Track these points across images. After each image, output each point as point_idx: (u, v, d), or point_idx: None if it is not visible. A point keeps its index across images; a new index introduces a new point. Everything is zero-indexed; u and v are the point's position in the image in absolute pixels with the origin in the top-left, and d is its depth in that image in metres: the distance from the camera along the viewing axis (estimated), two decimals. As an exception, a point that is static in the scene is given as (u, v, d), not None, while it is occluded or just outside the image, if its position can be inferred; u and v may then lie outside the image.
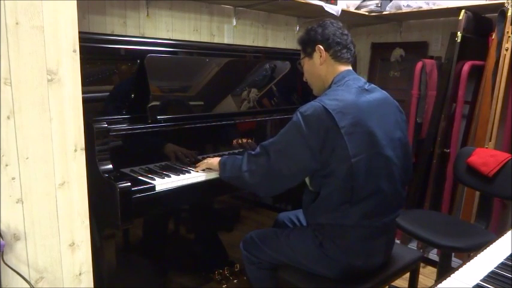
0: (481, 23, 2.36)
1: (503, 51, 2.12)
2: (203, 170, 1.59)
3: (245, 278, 1.98)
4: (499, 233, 1.20)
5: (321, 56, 1.42)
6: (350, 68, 1.44)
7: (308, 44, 1.45)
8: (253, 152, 1.39)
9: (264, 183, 1.37)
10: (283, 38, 2.67)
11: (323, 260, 1.36)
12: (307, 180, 1.39)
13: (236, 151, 1.89)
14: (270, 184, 1.37)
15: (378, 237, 1.36)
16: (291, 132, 1.30)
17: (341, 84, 1.36)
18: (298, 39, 1.51)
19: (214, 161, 1.56)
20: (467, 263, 0.97)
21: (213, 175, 1.58)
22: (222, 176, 1.49)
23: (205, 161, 1.62)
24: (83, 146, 1.26)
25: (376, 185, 1.30)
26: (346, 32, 1.43)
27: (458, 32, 2.25)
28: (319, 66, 1.44)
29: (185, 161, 1.67)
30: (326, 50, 1.41)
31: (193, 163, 1.66)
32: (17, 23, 1.08)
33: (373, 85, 1.42)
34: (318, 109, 1.25)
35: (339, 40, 1.40)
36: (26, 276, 1.19)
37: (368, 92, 1.36)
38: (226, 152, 1.85)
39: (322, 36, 1.41)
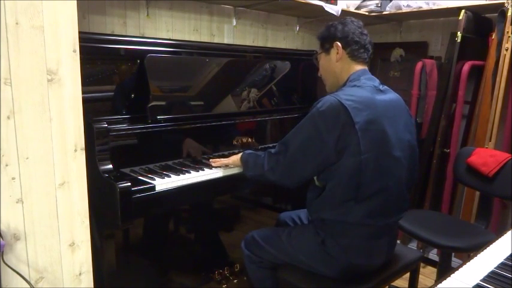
0: (481, 23, 2.36)
1: (503, 51, 2.12)
2: (219, 167, 1.64)
3: (245, 278, 1.98)
4: (499, 233, 1.20)
5: (337, 53, 1.43)
6: (366, 68, 1.45)
7: (327, 39, 1.46)
8: (273, 151, 1.43)
9: (286, 178, 1.41)
10: (283, 38, 2.67)
11: (324, 258, 1.36)
12: None
13: (236, 151, 1.89)
14: (292, 178, 1.40)
15: (379, 237, 1.36)
16: (307, 127, 1.32)
17: (357, 82, 1.37)
18: (317, 34, 1.52)
19: (236, 157, 1.61)
20: (467, 263, 0.97)
21: (213, 175, 1.58)
22: (246, 174, 1.54)
23: (227, 160, 1.66)
24: (83, 146, 1.26)
25: (383, 184, 1.30)
26: (365, 32, 1.44)
27: (458, 32, 2.25)
28: (335, 63, 1.44)
29: (200, 156, 1.71)
30: (344, 47, 1.42)
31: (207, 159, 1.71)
32: (17, 23, 1.08)
33: (386, 86, 1.43)
34: (334, 104, 1.26)
35: (357, 39, 1.41)
36: (26, 276, 1.19)
37: (382, 93, 1.37)
38: (227, 152, 1.85)
39: (341, 33, 1.42)
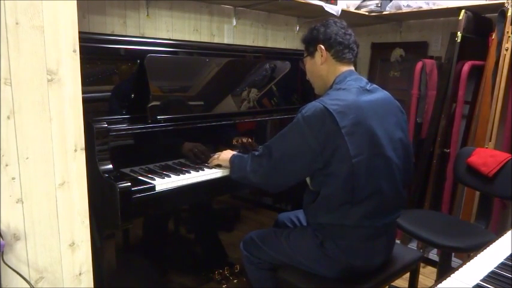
0: (481, 23, 2.36)
1: (503, 51, 2.11)
2: (214, 166, 1.63)
3: (245, 278, 1.98)
4: (499, 233, 1.20)
5: (322, 56, 1.42)
6: (352, 68, 1.44)
7: (310, 43, 1.46)
8: (256, 153, 1.42)
9: (268, 182, 1.41)
10: (283, 38, 2.67)
11: (323, 260, 1.36)
12: (307, 179, 1.40)
13: (236, 151, 1.89)
14: (274, 182, 1.40)
15: (378, 237, 1.36)
16: (292, 132, 1.31)
17: (342, 85, 1.36)
18: (302, 38, 1.51)
19: (226, 156, 1.59)
20: (467, 263, 0.97)
21: (213, 175, 1.58)
22: (232, 177, 1.53)
23: (217, 154, 1.65)
24: (83, 146, 1.26)
25: (377, 186, 1.30)
26: (349, 31, 1.43)
27: (458, 32, 2.25)
28: (320, 66, 1.44)
29: (201, 158, 1.70)
30: (327, 49, 1.41)
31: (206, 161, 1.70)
32: (17, 23, 1.08)
33: (375, 85, 1.42)
34: (318, 109, 1.26)
35: (341, 40, 1.40)
36: (26, 276, 1.19)
37: (369, 92, 1.36)
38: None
39: (324, 35, 1.41)
